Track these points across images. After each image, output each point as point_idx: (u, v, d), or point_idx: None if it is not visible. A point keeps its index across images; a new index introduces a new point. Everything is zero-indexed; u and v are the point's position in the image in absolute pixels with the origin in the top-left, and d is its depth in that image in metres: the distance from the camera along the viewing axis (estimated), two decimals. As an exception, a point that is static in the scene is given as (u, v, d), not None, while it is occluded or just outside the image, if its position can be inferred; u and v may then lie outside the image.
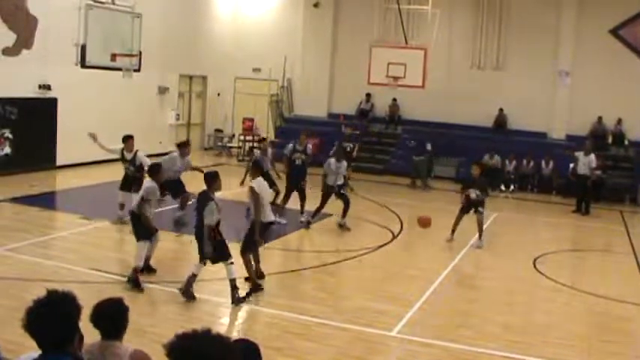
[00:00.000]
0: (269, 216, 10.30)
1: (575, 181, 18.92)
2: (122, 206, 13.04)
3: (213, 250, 9.10)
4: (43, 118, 18.39)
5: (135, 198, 10.55)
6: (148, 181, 10.16)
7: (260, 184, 10.21)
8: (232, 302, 9.14)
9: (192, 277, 9.23)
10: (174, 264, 11.30)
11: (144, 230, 9.90)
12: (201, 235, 9.13)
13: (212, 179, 9.26)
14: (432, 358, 7.96)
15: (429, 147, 21.84)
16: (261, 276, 10.30)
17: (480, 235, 13.80)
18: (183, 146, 14.37)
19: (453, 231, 13.89)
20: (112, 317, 4.01)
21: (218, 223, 9.14)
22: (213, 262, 9.28)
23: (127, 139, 13.41)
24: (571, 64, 23.24)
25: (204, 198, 9.10)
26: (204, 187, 9.25)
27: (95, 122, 19.82)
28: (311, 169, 15.54)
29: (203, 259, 9.24)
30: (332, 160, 14.30)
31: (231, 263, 9.22)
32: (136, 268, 9.63)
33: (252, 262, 10.17)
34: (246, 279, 9.80)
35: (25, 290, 9.08)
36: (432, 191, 20.67)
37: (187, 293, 9.19)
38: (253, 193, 10.05)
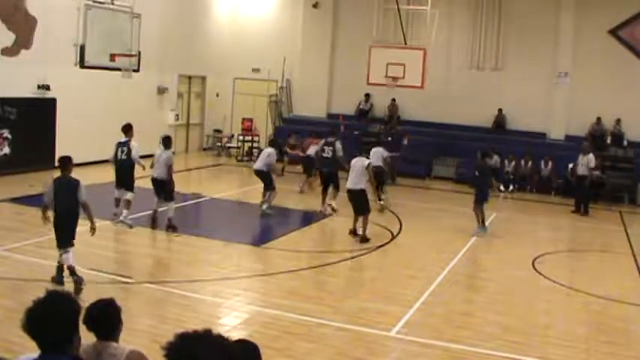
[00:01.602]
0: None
1: (574, 182, 18.93)
2: (118, 201, 13.86)
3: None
4: (42, 118, 18.40)
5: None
6: None
7: None
8: (76, 283, 9.17)
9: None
10: (174, 264, 11.31)
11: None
12: (73, 219, 9.47)
13: (69, 162, 9.87)
14: (431, 358, 7.97)
15: (405, 142, 22.01)
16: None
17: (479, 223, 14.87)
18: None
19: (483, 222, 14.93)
20: (103, 318, 4.00)
21: None
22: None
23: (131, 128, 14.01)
24: (570, 64, 23.24)
25: (71, 180, 9.57)
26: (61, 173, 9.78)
27: (94, 122, 19.89)
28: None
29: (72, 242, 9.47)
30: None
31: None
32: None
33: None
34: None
35: (23, 290, 9.08)
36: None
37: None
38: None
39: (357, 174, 13.52)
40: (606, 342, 8.86)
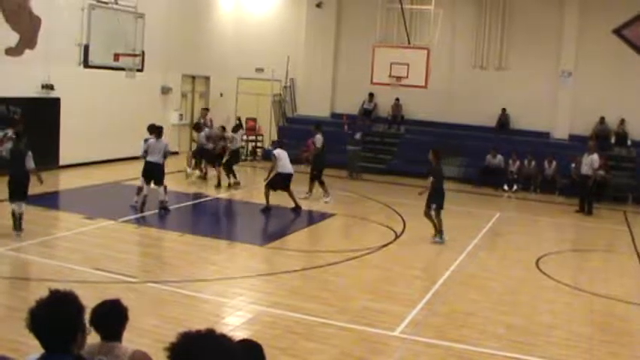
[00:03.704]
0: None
1: (578, 181, 18.90)
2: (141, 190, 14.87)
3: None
4: (46, 117, 18.41)
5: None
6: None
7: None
8: (18, 230, 11.80)
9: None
10: (178, 263, 11.32)
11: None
12: (26, 179, 11.92)
13: (23, 135, 12.43)
14: (435, 358, 7.96)
15: (357, 136, 22.10)
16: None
17: (437, 230, 13.65)
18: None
19: (441, 231, 13.69)
20: (111, 319, 3.99)
21: None
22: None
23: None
24: (574, 63, 23.20)
25: (20, 150, 12.01)
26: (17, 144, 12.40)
27: (98, 122, 19.93)
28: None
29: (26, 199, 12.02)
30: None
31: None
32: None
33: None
34: None
35: (27, 290, 9.12)
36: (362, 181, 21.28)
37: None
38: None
39: (289, 160, 16.02)
40: (610, 342, 8.85)
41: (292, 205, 15.92)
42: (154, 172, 14.74)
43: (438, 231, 13.67)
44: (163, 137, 15.20)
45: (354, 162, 22.11)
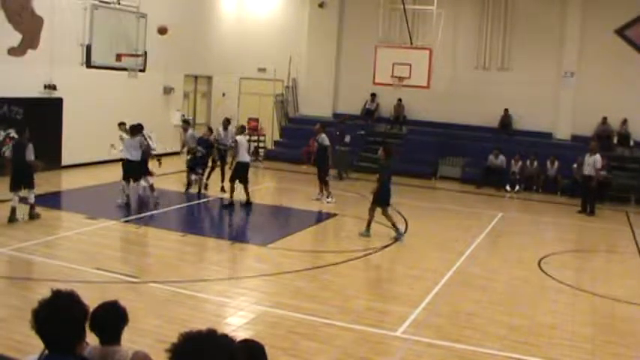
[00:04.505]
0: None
1: (581, 182, 18.89)
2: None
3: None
4: (49, 118, 18.44)
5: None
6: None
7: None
8: (30, 217, 12.89)
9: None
10: (179, 263, 11.33)
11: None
12: (28, 169, 12.68)
13: (25, 131, 13.20)
14: (437, 358, 7.96)
15: (347, 139, 22.08)
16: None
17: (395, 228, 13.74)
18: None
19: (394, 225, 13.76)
20: (110, 322, 3.95)
21: None
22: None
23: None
24: (576, 64, 23.19)
25: (23, 143, 12.86)
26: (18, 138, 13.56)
27: (100, 122, 19.94)
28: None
29: (33, 187, 12.91)
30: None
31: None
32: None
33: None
34: None
35: (30, 290, 9.13)
36: (349, 181, 21.32)
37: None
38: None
39: (246, 149, 15.92)
40: (612, 342, 8.84)
41: (245, 199, 15.92)
42: (128, 170, 15.00)
43: (393, 226, 13.70)
44: (147, 132, 15.57)
45: (342, 162, 21.92)
